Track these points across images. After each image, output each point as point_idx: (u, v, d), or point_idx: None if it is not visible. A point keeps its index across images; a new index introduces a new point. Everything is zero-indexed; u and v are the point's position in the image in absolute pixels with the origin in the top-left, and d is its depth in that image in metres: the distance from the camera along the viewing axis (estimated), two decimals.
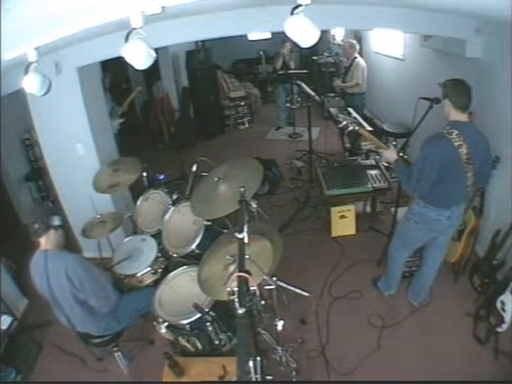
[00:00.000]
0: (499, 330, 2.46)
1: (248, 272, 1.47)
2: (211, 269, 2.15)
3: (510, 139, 2.79)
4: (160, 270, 2.81)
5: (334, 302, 3.20)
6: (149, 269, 2.76)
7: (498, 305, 2.45)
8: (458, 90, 2.27)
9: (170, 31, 2.94)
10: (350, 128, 2.97)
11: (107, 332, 2.44)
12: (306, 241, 3.99)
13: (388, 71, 5.94)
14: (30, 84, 2.10)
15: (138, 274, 2.73)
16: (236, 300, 1.37)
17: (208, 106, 7.08)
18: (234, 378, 1.66)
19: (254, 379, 1.54)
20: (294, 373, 2.50)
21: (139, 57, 1.55)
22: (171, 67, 7.07)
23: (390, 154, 2.54)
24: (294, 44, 1.89)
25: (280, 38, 5.98)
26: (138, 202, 3.26)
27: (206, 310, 2.21)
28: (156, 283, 2.64)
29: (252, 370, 1.50)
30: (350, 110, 4.92)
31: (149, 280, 2.77)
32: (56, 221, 2.17)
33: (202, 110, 7.13)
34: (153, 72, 6.44)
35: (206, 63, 6.90)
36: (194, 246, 2.72)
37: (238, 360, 1.22)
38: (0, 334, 2.77)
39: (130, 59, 1.55)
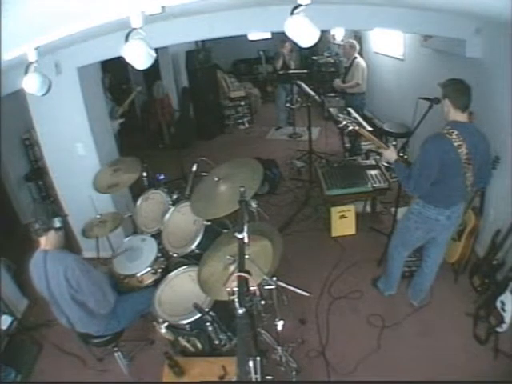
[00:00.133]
0: (499, 329, 2.46)
1: (248, 272, 1.47)
2: (211, 269, 2.15)
3: (510, 139, 2.79)
4: (160, 270, 2.81)
5: (334, 302, 3.20)
6: (149, 269, 2.76)
7: (498, 305, 2.45)
8: (458, 90, 2.27)
9: (170, 31, 2.94)
10: (350, 128, 2.97)
11: (107, 332, 2.44)
12: (306, 241, 3.99)
13: (388, 71, 5.94)
14: (30, 84, 2.10)
15: (138, 274, 2.73)
16: (236, 300, 1.37)
17: (208, 106, 7.09)
18: (234, 378, 1.66)
19: (254, 379, 1.54)
20: (293, 373, 2.50)
21: (139, 57, 1.55)
22: (171, 67, 7.07)
23: (390, 154, 2.54)
24: (294, 44, 1.89)
25: (280, 38, 5.99)
26: (138, 202, 3.26)
27: (206, 310, 2.21)
28: (156, 283, 2.64)
29: (252, 369, 1.50)
30: (350, 109, 4.92)
31: (149, 280, 2.77)
32: (56, 222, 2.16)
33: (202, 110, 7.13)
34: (153, 72, 6.44)
35: (205, 63, 6.90)
36: (193, 246, 2.72)
37: (238, 360, 1.22)
38: (0, 334, 2.77)
39: (129, 59, 1.55)
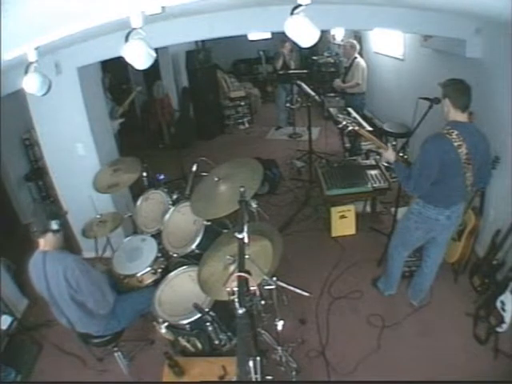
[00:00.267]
0: (499, 329, 2.46)
1: (248, 272, 1.47)
2: (211, 269, 2.15)
3: (510, 139, 2.79)
4: (160, 270, 2.81)
5: (334, 302, 3.20)
6: (149, 269, 2.76)
7: (498, 305, 2.45)
8: (458, 90, 2.27)
9: (170, 31, 2.94)
10: (350, 128, 2.97)
11: (107, 332, 2.44)
12: (306, 241, 3.99)
13: (388, 71, 5.94)
14: (30, 84, 2.10)
15: (138, 274, 2.73)
16: (236, 300, 1.37)
17: (208, 106, 7.09)
18: (234, 378, 1.66)
19: (254, 379, 1.54)
20: (293, 373, 2.50)
21: (139, 57, 1.55)
22: (171, 67, 7.07)
23: (389, 155, 2.54)
24: (294, 44, 1.89)
25: (280, 38, 5.99)
26: (138, 202, 3.26)
27: (206, 310, 2.21)
28: (156, 283, 2.64)
29: (252, 369, 1.50)
30: (350, 109, 4.92)
31: (149, 280, 2.77)
32: (54, 225, 2.14)
33: (202, 110, 7.13)
34: (153, 72, 6.44)
35: (205, 63, 6.90)
36: (193, 246, 2.72)
37: (238, 360, 1.22)
38: (0, 334, 2.77)
39: (129, 59, 1.55)
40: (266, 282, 2.06)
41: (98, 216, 3.00)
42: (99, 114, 3.67)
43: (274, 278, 2.15)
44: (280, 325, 2.21)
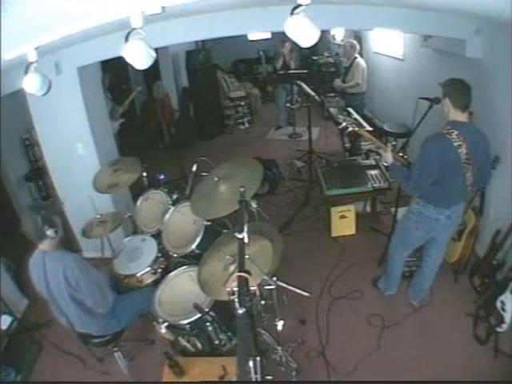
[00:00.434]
0: (499, 329, 2.46)
1: (248, 272, 1.47)
2: (211, 269, 2.15)
3: (510, 139, 2.79)
4: (160, 270, 2.81)
5: (334, 302, 3.20)
6: (149, 269, 2.76)
7: (498, 305, 2.45)
8: (458, 90, 2.27)
9: (170, 31, 2.94)
10: (350, 129, 2.98)
11: (107, 332, 2.44)
12: (306, 241, 3.99)
13: (388, 71, 5.94)
14: (30, 84, 2.10)
15: (138, 274, 2.73)
16: (236, 300, 1.37)
17: (208, 106, 7.09)
18: (234, 378, 1.66)
19: (254, 379, 1.54)
20: (293, 373, 2.50)
21: (139, 57, 1.55)
22: (171, 67, 7.07)
23: (387, 157, 2.54)
24: (294, 44, 1.89)
25: (280, 38, 5.99)
26: (138, 202, 3.26)
27: (206, 310, 2.21)
28: (156, 283, 2.64)
29: (252, 370, 1.50)
30: (350, 110, 4.93)
31: (149, 280, 2.77)
32: (49, 233, 2.11)
33: (202, 110, 7.14)
34: (153, 72, 6.44)
35: (205, 63, 6.90)
36: (193, 246, 2.72)
37: (238, 360, 1.22)
38: (0, 334, 2.77)
39: (129, 59, 1.55)
40: (265, 282, 2.06)
41: (98, 216, 2.99)
42: (99, 113, 3.67)
43: (274, 278, 2.15)
44: (280, 325, 2.21)
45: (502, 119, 2.87)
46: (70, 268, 2.14)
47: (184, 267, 2.59)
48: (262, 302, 2.40)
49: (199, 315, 2.21)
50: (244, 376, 1.22)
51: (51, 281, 2.17)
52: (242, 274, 1.44)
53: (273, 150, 6.25)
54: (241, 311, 1.33)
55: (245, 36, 6.31)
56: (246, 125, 7.71)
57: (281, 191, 5.05)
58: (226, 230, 2.70)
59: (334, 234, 3.99)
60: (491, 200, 3.11)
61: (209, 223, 2.78)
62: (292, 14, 1.30)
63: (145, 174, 3.26)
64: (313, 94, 5.02)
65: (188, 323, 2.27)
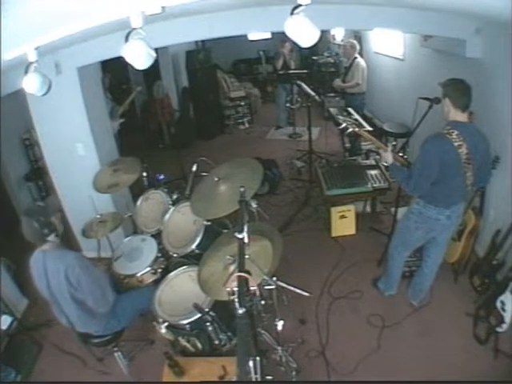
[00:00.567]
0: (499, 329, 2.46)
1: (248, 272, 1.47)
2: (211, 269, 2.15)
3: (510, 139, 2.79)
4: (160, 270, 2.81)
5: (334, 302, 3.20)
6: (149, 269, 2.76)
7: (498, 305, 2.45)
8: (459, 90, 2.27)
9: (170, 31, 2.94)
10: (350, 130, 2.98)
11: (107, 332, 2.44)
12: (306, 241, 3.99)
13: (388, 71, 5.94)
14: (30, 84, 2.10)
15: (138, 274, 2.73)
16: (236, 300, 1.37)
17: (208, 106, 7.09)
18: (234, 378, 1.66)
19: (254, 379, 1.54)
20: (293, 373, 2.50)
21: (139, 57, 1.55)
22: (171, 67, 7.07)
23: (387, 157, 2.54)
24: (294, 44, 1.89)
25: (280, 38, 5.99)
26: (138, 202, 3.26)
27: (206, 310, 2.21)
28: (156, 283, 2.64)
29: (252, 370, 1.50)
30: (350, 109, 4.93)
31: (149, 280, 2.77)
32: (51, 238, 2.13)
33: (202, 110, 7.13)
34: (153, 72, 6.44)
35: (205, 63, 6.90)
36: (193, 246, 2.72)
37: (238, 360, 1.22)
38: (0, 334, 2.77)
39: (129, 59, 1.55)
40: (266, 282, 2.06)
41: (98, 216, 2.99)
42: (99, 113, 3.67)
43: (274, 278, 2.15)
44: (280, 325, 2.21)
45: (502, 119, 2.87)
46: (71, 267, 2.14)
47: (184, 267, 2.59)
48: (262, 302, 2.40)
49: (199, 315, 2.21)
50: (244, 376, 1.22)
51: (52, 280, 2.17)
52: (242, 274, 1.44)
53: (273, 150, 6.25)
54: (241, 311, 1.33)
55: (245, 36, 6.31)
56: (246, 125, 7.70)
57: (281, 191, 5.05)
58: (225, 230, 2.70)
59: (334, 234, 3.99)
60: (491, 200, 3.11)
61: (209, 223, 2.78)
62: (292, 14, 1.30)
63: (145, 174, 3.26)
64: (313, 94, 5.02)
65: (188, 323, 2.27)
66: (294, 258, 3.57)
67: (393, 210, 3.50)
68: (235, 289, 1.43)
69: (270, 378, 2.15)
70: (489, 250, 2.92)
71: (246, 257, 1.65)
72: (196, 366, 2.23)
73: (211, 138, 7.18)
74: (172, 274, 2.58)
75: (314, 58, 8.17)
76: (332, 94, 6.69)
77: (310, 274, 3.46)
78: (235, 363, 1.21)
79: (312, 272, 3.50)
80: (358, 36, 6.64)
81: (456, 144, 2.23)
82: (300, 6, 1.28)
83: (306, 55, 8.60)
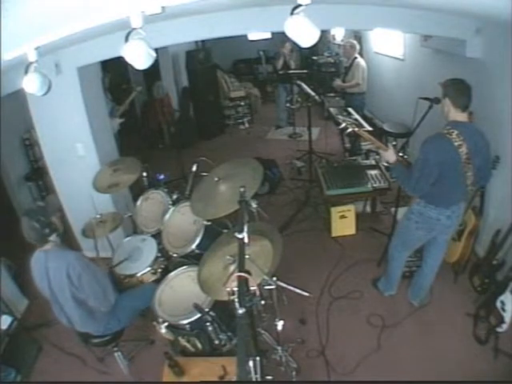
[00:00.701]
0: (499, 329, 2.46)
1: (248, 272, 1.47)
2: (211, 269, 2.15)
3: (510, 139, 2.79)
4: (160, 270, 2.81)
5: (334, 302, 3.20)
6: (149, 269, 2.76)
7: (498, 305, 2.45)
8: (459, 90, 2.27)
9: (170, 31, 2.94)
10: (350, 130, 2.98)
11: (107, 332, 2.44)
12: (306, 241, 3.99)
13: (388, 71, 5.94)
14: (30, 84, 2.10)
15: (138, 274, 2.73)
16: (236, 300, 1.37)
17: (208, 106, 7.08)
18: (234, 378, 1.66)
19: (254, 379, 1.54)
20: (294, 373, 2.50)
21: (139, 57, 1.55)
22: (171, 67, 7.07)
23: (390, 156, 2.54)
24: (294, 44, 1.89)
25: (280, 38, 5.98)
26: (138, 202, 3.26)
27: (206, 310, 2.21)
28: (156, 283, 2.64)
29: (252, 369, 1.50)
30: (350, 109, 4.93)
31: (149, 280, 2.77)
32: (53, 238, 2.14)
33: (202, 110, 7.13)
34: (153, 72, 6.44)
35: (206, 63, 6.90)
36: (193, 246, 2.72)
37: (238, 360, 1.22)
38: (0, 334, 2.77)
39: (129, 59, 1.55)
40: (266, 282, 2.06)
41: (98, 216, 2.99)
42: (99, 114, 3.67)
43: (274, 278, 2.15)
44: (280, 325, 2.21)
45: (502, 119, 2.87)
46: (72, 266, 2.14)
47: (184, 267, 2.59)
48: (262, 302, 2.39)
49: (199, 315, 2.21)
50: (244, 376, 1.22)
51: (53, 279, 2.17)
52: (242, 274, 1.44)
53: (273, 150, 6.25)
54: (241, 311, 1.33)
55: (245, 36, 6.30)
56: (246, 125, 7.70)
57: (281, 191, 5.05)
58: (226, 230, 2.70)
59: (334, 234, 3.99)
60: (491, 200, 3.11)
61: (209, 223, 2.78)
62: (292, 14, 1.30)
63: (145, 174, 3.26)
64: (313, 94, 5.02)
65: (188, 323, 2.27)
66: (294, 258, 3.57)
67: (393, 209, 3.50)
68: (235, 289, 1.43)
69: (270, 377, 2.16)
70: (489, 250, 2.92)
71: (246, 257, 1.65)
72: (196, 365, 2.23)
73: (211, 138, 7.18)
74: (172, 274, 2.58)
75: (314, 57, 8.17)
76: (332, 94, 6.68)
77: (309, 273, 3.46)
78: (235, 363, 1.21)
79: (312, 272, 3.50)
80: (358, 36, 6.64)
81: (456, 144, 2.23)
82: (300, 5, 1.28)
83: (306, 55, 8.59)
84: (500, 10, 1.99)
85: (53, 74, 2.94)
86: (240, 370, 1.19)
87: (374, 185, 3.83)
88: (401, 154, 2.65)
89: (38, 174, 4.80)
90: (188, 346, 2.38)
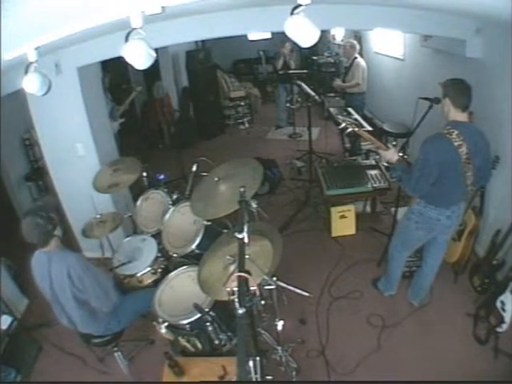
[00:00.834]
0: (499, 329, 2.46)
1: (248, 272, 1.47)
2: (211, 269, 2.15)
3: (510, 139, 2.79)
4: (160, 270, 2.81)
5: (334, 302, 3.20)
6: (149, 269, 2.76)
7: (498, 305, 2.45)
8: (459, 90, 2.27)
9: (170, 31, 2.94)
10: (349, 130, 2.98)
11: (107, 332, 2.44)
12: (306, 241, 3.99)
13: (388, 71, 5.94)
14: (30, 84, 2.10)
15: (138, 274, 2.73)
16: (236, 300, 1.37)
17: (208, 106, 7.08)
18: (234, 378, 1.66)
19: (254, 379, 1.54)
20: (294, 373, 2.50)
21: (139, 57, 1.55)
22: (171, 67, 7.07)
23: (391, 155, 2.54)
24: (294, 44, 1.89)
25: (280, 38, 5.98)
26: (138, 202, 3.26)
27: (206, 310, 2.21)
28: (156, 283, 2.64)
29: (252, 369, 1.50)
30: (350, 109, 4.93)
31: (149, 280, 2.77)
32: (57, 232, 2.15)
33: (202, 110, 7.13)
34: (153, 72, 6.43)
35: (206, 63, 6.90)
36: (193, 246, 2.72)
37: (238, 360, 1.22)
38: (0, 334, 2.77)
39: (129, 59, 1.55)
40: (266, 282, 2.06)
41: (98, 216, 2.99)
42: (99, 114, 3.67)
43: (274, 278, 2.15)
44: (280, 325, 2.21)
45: (502, 119, 2.87)
46: (73, 268, 2.15)
47: (184, 267, 2.59)
48: (262, 302, 2.39)
49: (199, 315, 2.21)
50: (244, 376, 1.22)
51: (55, 280, 2.18)
52: (242, 274, 1.44)
53: (273, 150, 6.25)
54: (241, 311, 1.33)
55: (245, 36, 6.31)
56: (246, 125, 7.70)
57: (281, 191, 5.05)
58: (226, 230, 2.70)
59: (334, 234, 3.99)
60: (491, 200, 3.11)
61: (209, 223, 2.78)
62: (292, 14, 1.30)
63: (145, 174, 3.26)
64: (313, 94, 5.02)
65: (188, 323, 2.27)
66: (294, 258, 3.57)
67: (393, 210, 3.50)
68: (235, 289, 1.43)
69: (270, 377, 2.15)
70: (489, 250, 2.92)
71: (246, 257, 1.65)
72: (196, 365, 2.23)
73: (211, 138, 7.18)
74: (172, 274, 2.58)
75: (314, 57, 8.17)
76: (332, 94, 6.68)
77: (309, 273, 3.46)
78: (235, 363, 1.21)
79: (312, 272, 3.50)
80: (358, 36, 6.64)
81: (456, 144, 2.23)
82: (300, 5, 1.28)
83: (306, 55, 8.59)
84: (500, 10, 1.99)
85: (53, 73, 2.95)
86: (240, 370, 1.19)
87: (374, 185, 3.83)
88: (401, 154, 2.64)
89: (38, 173, 4.80)
90: (188, 345, 2.38)
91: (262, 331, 2.60)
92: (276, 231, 2.34)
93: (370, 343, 2.78)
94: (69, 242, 3.22)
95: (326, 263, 3.62)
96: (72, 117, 3.35)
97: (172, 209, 3.00)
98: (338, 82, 5.94)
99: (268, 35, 7.38)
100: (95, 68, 3.75)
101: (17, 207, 4.56)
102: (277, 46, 6.92)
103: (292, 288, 2.42)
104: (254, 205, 2.59)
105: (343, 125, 3.01)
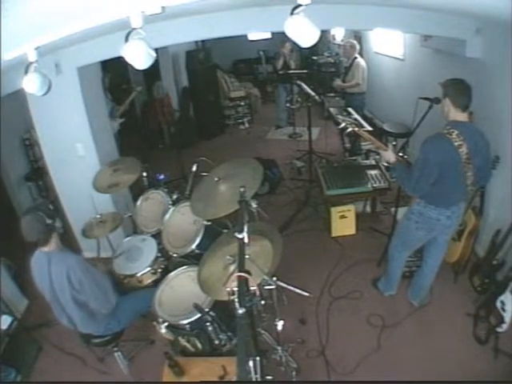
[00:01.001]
0: (499, 329, 2.46)
1: (248, 272, 1.47)
2: (211, 269, 2.15)
3: (510, 139, 2.79)
4: (160, 270, 2.81)
5: (334, 302, 3.20)
6: (149, 269, 2.76)
7: (498, 305, 2.45)
8: (459, 90, 2.27)
9: (170, 31, 2.94)
10: (349, 130, 2.98)
11: (107, 332, 2.44)
12: (306, 241, 3.99)
13: (388, 71, 5.94)
14: (30, 84, 2.10)
15: (138, 274, 2.73)
16: (236, 300, 1.37)
17: (208, 106, 7.08)
18: (234, 378, 1.66)
19: (254, 379, 1.54)
20: (294, 373, 2.50)
21: (139, 57, 1.55)
22: (171, 67, 7.07)
23: (389, 155, 2.54)
24: (294, 44, 1.89)
25: (280, 38, 5.98)
26: (138, 202, 3.26)
27: (206, 310, 2.21)
28: (156, 283, 2.64)
29: (252, 369, 1.50)
30: (350, 109, 4.93)
31: (149, 280, 2.77)
32: (58, 224, 2.15)
33: (202, 110, 7.13)
34: (153, 72, 6.44)
35: (206, 63, 6.90)
36: (193, 246, 2.72)
37: (238, 360, 1.22)
38: (0, 334, 2.77)
39: (129, 59, 1.55)
40: (266, 282, 2.06)
41: (98, 216, 2.99)
42: (99, 114, 3.67)
43: (274, 278, 2.15)
44: (280, 325, 2.21)
45: (502, 119, 2.87)
46: (72, 270, 2.14)
47: (184, 267, 2.59)
48: (262, 302, 2.39)
49: (199, 315, 2.21)
50: (244, 376, 1.22)
51: (55, 281, 2.17)
52: (242, 274, 1.44)
53: (273, 150, 6.25)
54: (241, 311, 1.33)
55: (245, 36, 6.30)
56: (246, 125, 7.70)
57: (281, 191, 5.05)
58: (226, 230, 2.70)
59: (334, 234, 3.99)
60: (491, 200, 3.11)
61: (209, 223, 2.78)
62: (292, 14, 1.30)
63: (145, 174, 3.26)
64: (313, 94, 5.02)
65: (188, 323, 2.27)
66: (294, 258, 3.57)
67: (393, 209, 3.50)
68: (235, 289, 1.43)
69: (270, 377, 2.15)
70: (489, 250, 2.92)
71: (246, 257, 1.65)
72: (196, 365, 2.22)
73: (211, 138, 7.18)
74: (172, 274, 2.58)
75: (314, 57, 8.17)
76: (332, 94, 6.68)
77: (309, 273, 3.46)
78: (235, 363, 1.21)
79: (312, 272, 3.50)
80: (358, 36, 6.64)
81: (456, 144, 2.23)
82: (300, 5, 1.28)
83: (306, 55, 8.59)
84: (500, 10, 1.99)
85: (53, 73, 2.95)
86: (240, 370, 1.19)
87: (374, 185, 3.83)
88: (401, 154, 2.64)
89: (38, 173, 4.80)
90: (188, 345, 2.38)
91: (262, 331, 2.60)
92: (276, 231, 2.34)
93: (369, 343, 2.78)
94: (69, 242, 3.23)
95: (326, 263, 3.62)
96: (72, 117, 3.35)
97: (172, 209, 3.00)
98: (337, 82, 5.94)
99: (268, 35, 7.38)
100: (95, 68, 3.75)
101: (17, 207, 4.56)
102: (277, 46, 6.92)
103: (292, 288, 2.42)
104: (254, 205, 2.59)
105: (343, 125, 3.01)
